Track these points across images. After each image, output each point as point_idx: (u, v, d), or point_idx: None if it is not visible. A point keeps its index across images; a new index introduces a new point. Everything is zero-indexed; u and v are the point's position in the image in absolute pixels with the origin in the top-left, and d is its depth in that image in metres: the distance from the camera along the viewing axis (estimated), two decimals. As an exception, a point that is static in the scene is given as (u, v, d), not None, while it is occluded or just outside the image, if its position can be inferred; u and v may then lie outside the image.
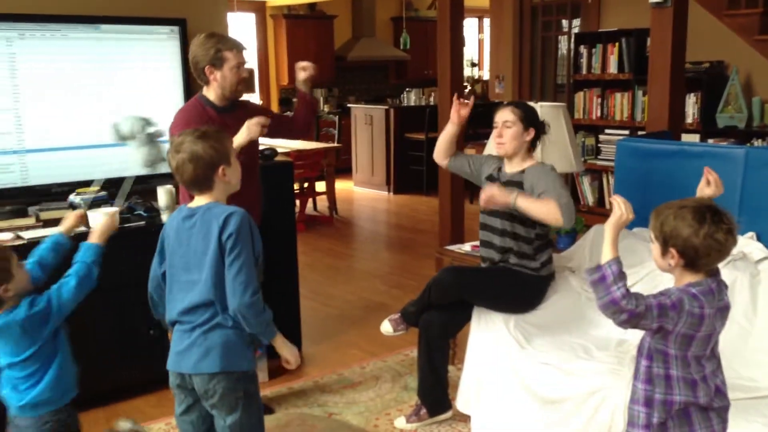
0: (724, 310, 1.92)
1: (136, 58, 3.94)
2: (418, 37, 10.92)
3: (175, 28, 4.03)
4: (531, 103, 3.52)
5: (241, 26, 10.28)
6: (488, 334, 3.08)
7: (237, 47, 3.09)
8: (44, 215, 3.54)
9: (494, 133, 3.13)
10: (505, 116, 3.09)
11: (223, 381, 2.19)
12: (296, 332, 4.16)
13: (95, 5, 3.87)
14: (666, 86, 4.01)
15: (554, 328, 3.05)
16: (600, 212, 6.07)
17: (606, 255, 1.89)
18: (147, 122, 2.80)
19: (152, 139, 2.79)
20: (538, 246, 3.11)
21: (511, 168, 3.13)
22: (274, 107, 10.63)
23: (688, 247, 1.84)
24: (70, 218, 2.54)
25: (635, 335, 2.91)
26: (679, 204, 1.88)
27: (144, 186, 3.92)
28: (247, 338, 2.26)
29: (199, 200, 2.26)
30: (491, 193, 2.91)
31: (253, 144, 3.17)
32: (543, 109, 3.69)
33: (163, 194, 3.63)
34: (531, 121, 3.09)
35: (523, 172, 3.06)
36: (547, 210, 2.84)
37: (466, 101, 3.29)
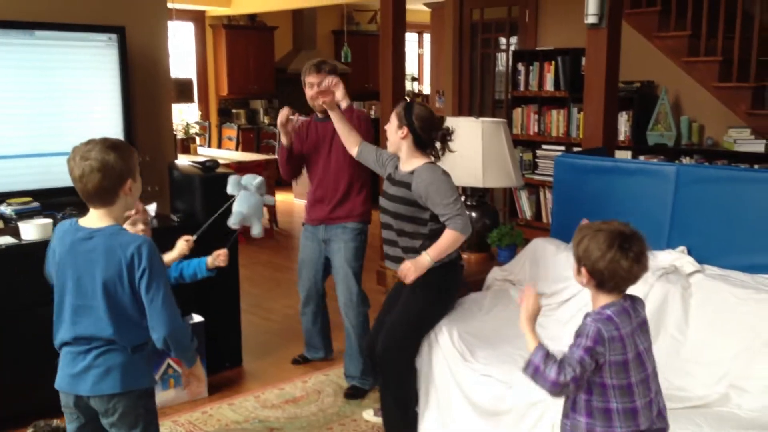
0: (642, 325, 1.98)
1: (72, 65, 3.84)
2: (358, 50, 10.96)
3: (114, 36, 3.95)
4: (473, 118, 3.58)
5: (180, 35, 10.13)
6: (433, 348, 3.10)
7: (309, 70, 3.69)
8: (-27, 227, 3.40)
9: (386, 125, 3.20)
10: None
11: (123, 400, 2.15)
12: (237, 347, 4.10)
13: (31, 11, 3.76)
14: (601, 104, 4.14)
15: (496, 340, 3.10)
16: (537, 226, 6.21)
17: (530, 346, 1.95)
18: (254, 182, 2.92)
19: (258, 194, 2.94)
20: (424, 240, 3.06)
21: (404, 166, 3.11)
22: (213, 118, 10.49)
23: (595, 269, 1.90)
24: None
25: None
26: (597, 226, 1.94)
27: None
28: (147, 356, 2.24)
29: (96, 217, 2.13)
30: (408, 272, 2.97)
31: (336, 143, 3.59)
32: (484, 124, 3.77)
33: (99, 206, 3.53)
34: (406, 120, 3.02)
35: (412, 173, 3.04)
36: (451, 243, 2.98)
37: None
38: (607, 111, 4.16)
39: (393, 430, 3.17)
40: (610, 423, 1.94)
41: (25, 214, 3.46)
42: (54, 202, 3.66)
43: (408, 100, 3.27)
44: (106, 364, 2.12)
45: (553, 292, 3.29)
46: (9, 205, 3.49)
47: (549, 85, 6.21)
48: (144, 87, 4.23)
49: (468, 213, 3.60)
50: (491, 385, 2.86)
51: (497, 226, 3.92)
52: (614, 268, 1.87)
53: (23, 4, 3.76)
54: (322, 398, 3.69)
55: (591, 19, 4.05)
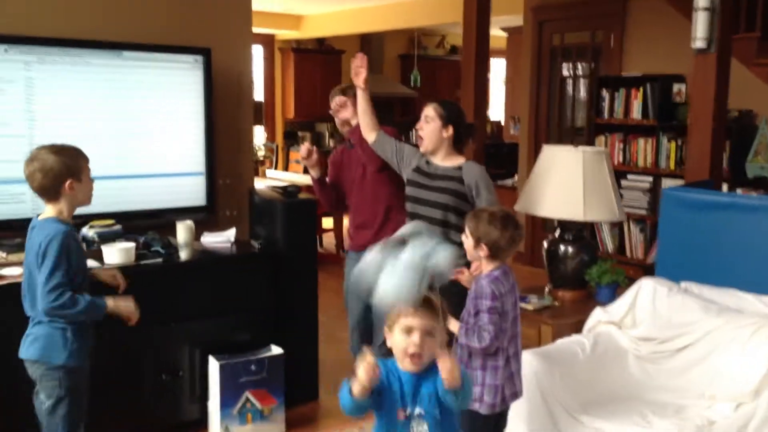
0: (514, 287, 2.48)
1: (158, 86, 3.77)
2: (425, 74, 10.88)
3: (200, 58, 3.86)
4: (572, 147, 3.37)
5: (250, 58, 10.17)
6: (535, 395, 2.84)
7: (333, 93, 3.68)
8: (56, 249, 3.32)
9: (418, 125, 3.22)
10: (426, 111, 3.18)
11: (40, 369, 2.44)
12: (314, 380, 3.93)
13: (119, 31, 3.71)
14: (708, 135, 3.87)
15: (603, 390, 2.85)
16: (620, 260, 5.89)
17: (454, 329, 2.40)
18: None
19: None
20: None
21: (443, 162, 3.19)
22: (279, 140, 10.49)
23: (497, 246, 2.41)
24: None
25: (696, 402, 2.71)
26: (490, 212, 2.47)
27: (160, 220, 3.73)
28: (73, 334, 2.45)
29: (47, 211, 2.45)
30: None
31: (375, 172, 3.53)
32: (585, 154, 3.54)
33: (182, 230, 3.42)
34: (450, 119, 3.15)
35: (460, 168, 3.14)
36: None
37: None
38: (715, 142, 3.89)
39: None
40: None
41: (107, 237, 3.36)
42: (134, 225, 3.57)
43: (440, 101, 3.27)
44: (36, 333, 2.44)
45: (666, 339, 3.01)
46: (92, 227, 3.40)
47: (636, 113, 5.92)
48: (226, 110, 4.14)
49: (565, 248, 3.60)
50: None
51: (596, 261, 3.66)
52: (511, 243, 2.43)
53: (112, 24, 3.71)
54: (406, 441, 3.47)
55: (699, 44, 3.79)
